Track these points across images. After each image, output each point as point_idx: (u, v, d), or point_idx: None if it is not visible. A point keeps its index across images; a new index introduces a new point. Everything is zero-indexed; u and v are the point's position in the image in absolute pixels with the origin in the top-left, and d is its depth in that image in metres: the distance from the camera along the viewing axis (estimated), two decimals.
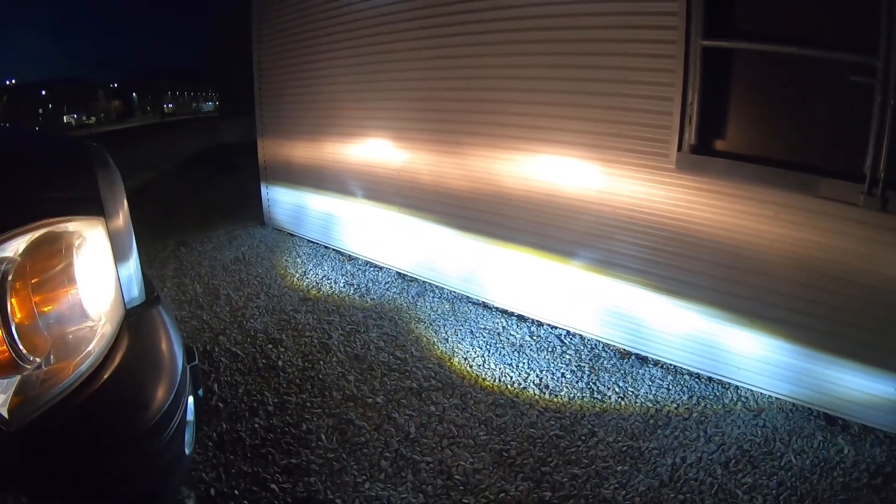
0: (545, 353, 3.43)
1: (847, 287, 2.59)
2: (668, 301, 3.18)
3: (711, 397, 2.95)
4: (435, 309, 4.06)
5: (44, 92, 60.05)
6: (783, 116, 2.74)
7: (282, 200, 6.16)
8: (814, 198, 2.60)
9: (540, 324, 3.79)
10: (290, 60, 5.54)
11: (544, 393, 3.00)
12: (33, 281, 1.26)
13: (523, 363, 3.30)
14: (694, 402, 2.91)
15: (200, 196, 8.77)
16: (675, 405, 2.88)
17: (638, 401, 2.93)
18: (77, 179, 1.43)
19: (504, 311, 3.99)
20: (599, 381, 3.10)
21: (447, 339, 3.59)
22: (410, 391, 2.99)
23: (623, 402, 2.92)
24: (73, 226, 1.35)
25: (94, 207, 1.39)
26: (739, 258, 2.87)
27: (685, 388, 3.03)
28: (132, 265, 1.49)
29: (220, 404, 2.84)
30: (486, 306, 4.09)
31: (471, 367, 3.26)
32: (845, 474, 2.37)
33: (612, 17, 3.07)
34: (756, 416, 2.78)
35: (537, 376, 3.15)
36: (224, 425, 2.66)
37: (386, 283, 4.60)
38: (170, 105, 74.61)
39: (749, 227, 2.82)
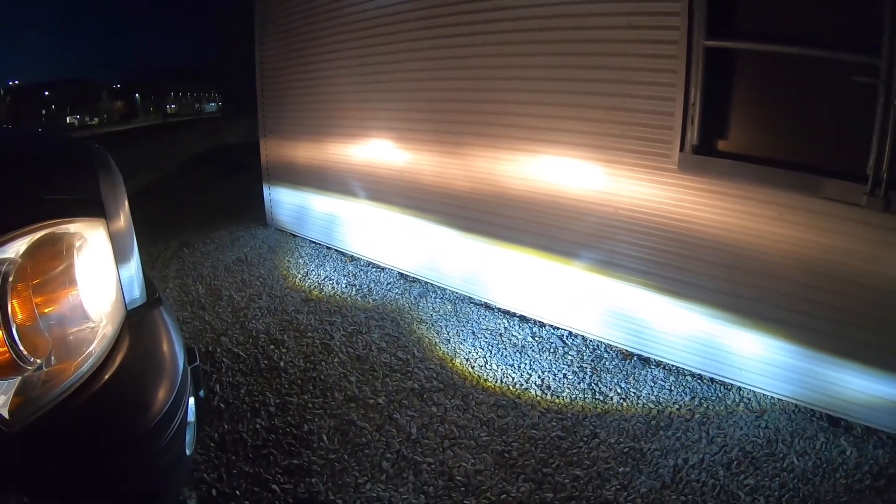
0: (547, 353, 3.42)
1: (850, 288, 2.58)
2: (671, 302, 3.17)
3: (714, 398, 2.94)
4: (437, 310, 4.06)
5: (47, 93, 60.16)
6: (785, 117, 2.73)
7: (284, 201, 6.16)
8: (816, 198, 2.59)
9: (542, 324, 3.79)
10: (292, 61, 5.54)
11: (546, 394, 3.00)
12: (34, 282, 1.26)
13: (525, 364, 3.29)
14: (696, 403, 2.91)
15: (203, 197, 8.79)
16: (677, 406, 2.88)
17: (640, 402, 2.92)
18: (78, 181, 1.43)
19: (506, 312, 3.98)
20: (601, 382, 3.10)
21: (449, 340, 3.59)
22: (412, 392, 2.99)
23: (625, 404, 2.91)
24: (75, 227, 1.35)
25: (95, 209, 1.39)
26: (742, 259, 2.87)
27: (687, 390, 3.02)
28: (133, 266, 1.49)
29: (222, 405, 2.84)
30: (488, 307, 4.08)
31: (473, 367, 3.26)
32: (848, 476, 2.36)
33: (614, 17, 3.06)
34: (758, 417, 2.77)
35: (539, 377, 3.15)
36: (226, 426, 2.67)
37: (388, 283, 4.60)
38: (173, 106, 74.72)
39: (751, 227, 2.81)
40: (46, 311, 1.29)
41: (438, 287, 4.44)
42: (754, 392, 2.96)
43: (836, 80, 2.51)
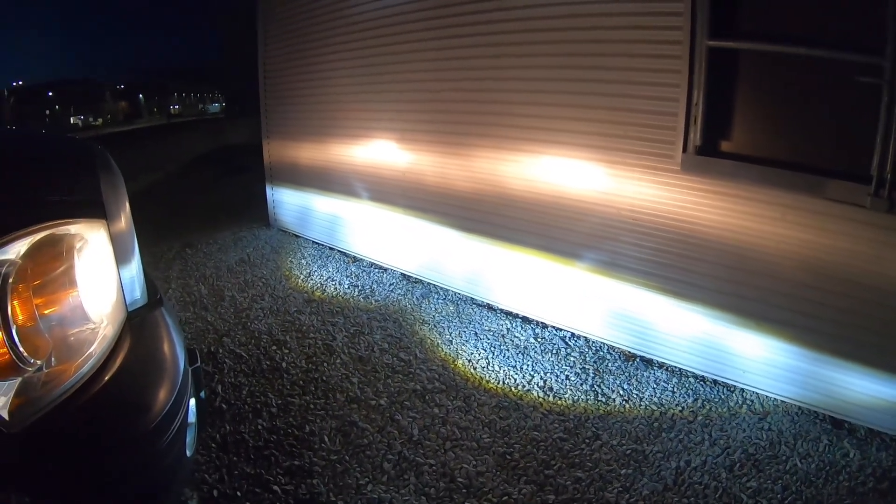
0: (549, 355, 3.41)
1: (854, 289, 2.57)
2: (674, 303, 3.16)
3: (716, 400, 2.93)
4: (439, 311, 4.06)
5: (51, 93, 60.36)
6: (789, 117, 2.72)
7: (287, 202, 6.17)
8: (820, 199, 2.58)
9: (545, 326, 3.78)
10: (295, 61, 5.55)
11: (548, 395, 2.99)
12: (35, 283, 1.26)
13: (527, 365, 3.29)
14: (699, 405, 2.90)
15: (206, 197, 8.80)
16: (679, 408, 2.87)
17: (642, 403, 2.91)
18: (79, 182, 1.43)
19: (509, 313, 3.98)
20: (604, 384, 3.09)
21: (451, 341, 3.59)
22: (414, 393, 2.99)
23: (627, 405, 2.90)
24: (75, 228, 1.35)
25: (96, 210, 1.39)
26: (745, 260, 2.86)
27: (690, 391, 3.01)
28: (134, 267, 1.50)
29: (224, 406, 2.84)
30: (490, 308, 4.08)
31: (475, 369, 3.25)
32: (851, 478, 2.35)
33: (617, 17, 3.06)
34: (761, 419, 2.76)
35: (541, 378, 3.14)
36: (227, 427, 2.67)
37: (390, 284, 4.60)
38: (176, 106, 74.89)
39: (754, 228, 2.80)
40: (47, 312, 1.29)
41: (441, 288, 4.43)
42: (757, 394, 2.95)
43: (839, 81, 2.49)
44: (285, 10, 5.52)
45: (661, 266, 3.16)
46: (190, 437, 1.60)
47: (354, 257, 5.25)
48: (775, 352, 2.86)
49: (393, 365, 3.27)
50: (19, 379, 1.20)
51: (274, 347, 3.47)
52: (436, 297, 4.30)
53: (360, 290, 4.48)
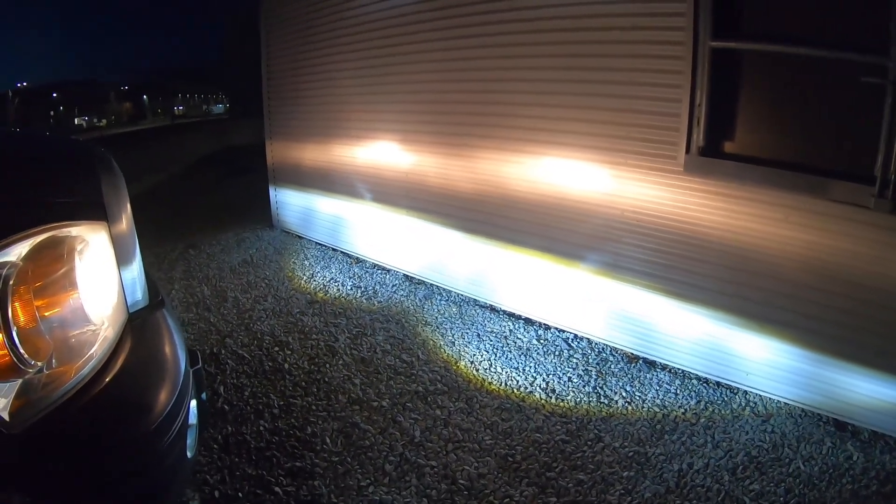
0: (552, 356, 3.41)
1: (857, 290, 2.55)
2: (677, 305, 3.15)
3: (719, 402, 2.92)
4: (442, 312, 4.06)
5: (55, 94, 60.59)
6: (792, 118, 2.71)
7: (290, 203, 6.17)
8: (824, 200, 2.57)
9: (547, 327, 3.77)
10: (299, 62, 5.56)
11: (551, 397, 2.98)
12: (36, 285, 1.27)
13: (530, 367, 3.28)
14: (702, 407, 2.89)
15: (209, 198, 8.81)
16: (682, 410, 2.86)
17: (645, 405, 2.91)
18: (80, 183, 1.43)
19: (511, 315, 3.97)
20: (606, 386, 3.08)
21: (454, 343, 3.58)
22: (416, 395, 2.98)
23: (630, 407, 2.90)
24: (76, 230, 1.36)
25: (97, 212, 1.39)
26: (748, 261, 2.85)
27: (693, 393, 3.00)
28: (135, 269, 1.50)
29: (226, 407, 2.84)
30: (493, 309, 4.07)
31: (477, 370, 3.25)
32: (854, 481, 2.33)
33: (620, 18, 3.05)
34: (764, 421, 2.75)
35: (544, 380, 3.14)
36: (229, 428, 2.67)
37: (393, 285, 4.60)
38: (180, 107, 75.09)
39: (758, 229, 2.79)
40: (48, 313, 1.29)
41: (444, 289, 4.43)
42: (760, 396, 2.94)
43: (843, 81, 2.49)
44: (288, 10, 5.53)
45: (663, 267, 3.15)
46: (191, 439, 1.60)
47: (357, 258, 5.25)
48: (778, 353, 2.85)
49: (395, 366, 3.27)
50: (20, 380, 1.20)
51: (276, 348, 3.47)
52: (438, 298, 4.30)
53: (363, 292, 4.48)
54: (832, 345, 2.67)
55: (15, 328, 1.17)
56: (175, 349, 1.52)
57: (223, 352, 3.41)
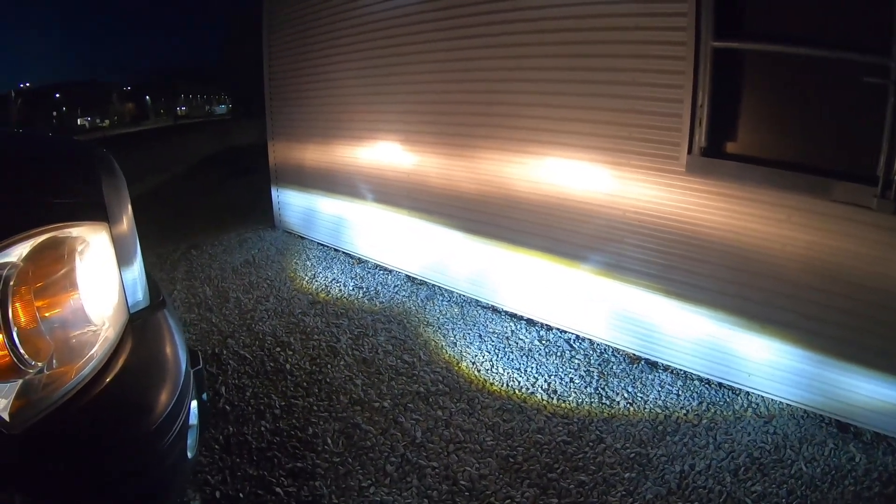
0: (554, 357, 3.40)
1: (859, 291, 2.55)
2: (678, 305, 3.14)
3: (721, 403, 2.92)
4: (444, 312, 4.05)
5: (58, 95, 60.66)
6: (794, 118, 2.71)
7: (292, 203, 6.18)
8: (826, 201, 2.56)
9: (549, 328, 3.77)
10: (300, 63, 5.56)
11: (552, 398, 2.98)
12: (36, 286, 1.27)
13: (532, 368, 3.28)
14: (703, 408, 2.88)
15: (212, 199, 8.82)
16: (684, 411, 2.85)
17: (647, 406, 2.90)
18: (81, 184, 1.44)
19: (513, 315, 3.97)
20: (608, 387, 3.08)
21: (455, 343, 3.58)
22: (417, 395, 2.98)
23: (632, 408, 2.89)
24: (77, 231, 1.36)
25: (97, 212, 1.39)
26: (750, 262, 2.84)
27: (695, 394, 3.00)
28: (136, 269, 1.50)
29: (227, 407, 2.84)
30: (495, 310, 4.07)
31: (479, 371, 3.25)
32: (857, 483, 2.33)
33: (621, 18, 3.05)
34: (766, 422, 2.74)
35: (545, 381, 3.13)
36: (231, 428, 2.67)
37: (395, 286, 4.59)
38: (183, 108, 75.20)
39: (760, 230, 2.79)
40: (48, 314, 1.30)
41: (445, 290, 4.43)
42: (762, 397, 2.93)
43: (845, 81, 2.48)
44: (290, 10, 5.53)
45: (665, 268, 3.15)
46: (192, 439, 1.60)
47: (359, 259, 5.25)
48: (780, 354, 2.84)
49: (397, 367, 3.27)
50: (20, 381, 1.20)
51: (278, 349, 3.47)
52: (440, 298, 4.30)
53: (365, 292, 4.48)
54: (834, 346, 2.67)
55: (15, 329, 1.17)
56: (176, 350, 1.52)
57: (225, 352, 3.42)
